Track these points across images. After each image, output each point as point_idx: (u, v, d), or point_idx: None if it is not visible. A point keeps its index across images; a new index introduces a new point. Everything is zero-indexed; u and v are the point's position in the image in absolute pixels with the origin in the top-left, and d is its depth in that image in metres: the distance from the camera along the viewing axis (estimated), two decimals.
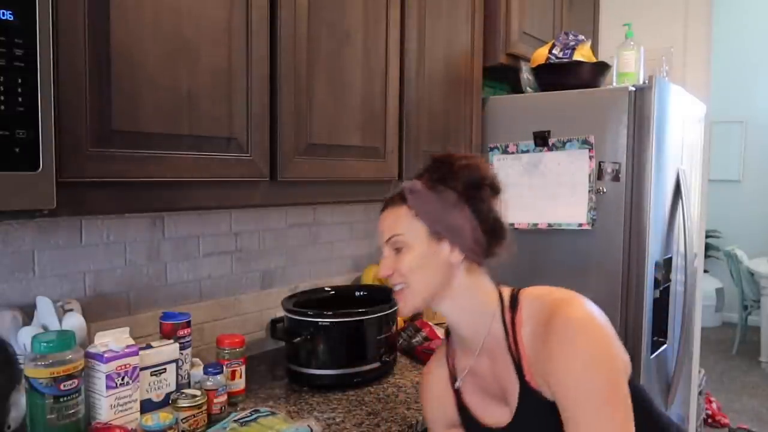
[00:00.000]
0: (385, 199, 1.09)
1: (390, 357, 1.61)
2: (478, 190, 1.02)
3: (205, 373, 1.34)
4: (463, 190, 1.01)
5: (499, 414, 1.04)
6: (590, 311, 0.94)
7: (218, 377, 1.34)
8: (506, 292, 1.06)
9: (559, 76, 2.06)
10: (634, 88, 1.87)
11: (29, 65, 0.85)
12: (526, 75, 2.16)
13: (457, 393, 1.12)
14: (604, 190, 1.91)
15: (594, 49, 2.60)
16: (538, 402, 0.96)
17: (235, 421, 1.24)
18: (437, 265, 1.02)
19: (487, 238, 1.03)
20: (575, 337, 0.90)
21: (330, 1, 1.46)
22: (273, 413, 1.28)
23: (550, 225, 2.01)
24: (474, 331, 1.05)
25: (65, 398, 1.06)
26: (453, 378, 1.13)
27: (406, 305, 1.04)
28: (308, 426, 1.22)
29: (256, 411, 1.28)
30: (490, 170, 1.06)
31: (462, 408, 1.12)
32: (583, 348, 0.90)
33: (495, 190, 1.05)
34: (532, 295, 1.02)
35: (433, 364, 1.19)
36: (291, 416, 1.32)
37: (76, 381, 1.08)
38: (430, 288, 1.03)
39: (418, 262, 1.02)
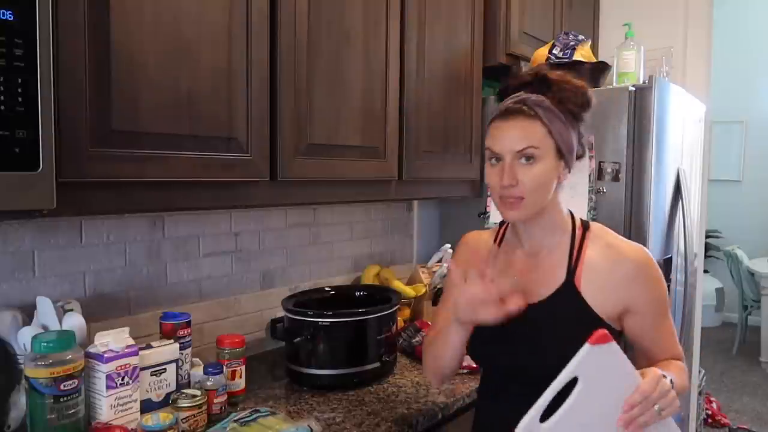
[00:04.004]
0: (504, 107, 1.10)
1: (390, 357, 1.61)
2: (583, 113, 1.10)
3: (205, 373, 1.34)
4: (577, 112, 1.08)
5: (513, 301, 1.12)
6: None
7: (218, 377, 1.34)
8: (575, 215, 1.17)
9: None
10: (634, 88, 1.87)
11: (29, 65, 0.85)
12: None
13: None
14: (604, 190, 1.91)
15: (594, 49, 2.59)
16: (574, 297, 1.08)
17: (235, 421, 1.24)
18: (552, 183, 1.08)
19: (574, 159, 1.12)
20: (656, 274, 1.10)
21: (330, 2, 1.46)
22: (273, 413, 1.28)
23: None
24: (543, 239, 1.14)
25: (65, 398, 1.06)
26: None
27: (519, 215, 1.08)
28: (308, 426, 1.22)
29: (256, 411, 1.28)
30: (592, 95, 1.12)
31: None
32: (661, 283, 1.12)
33: (586, 114, 1.12)
34: (600, 227, 1.16)
35: (485, 234, 1.27)
36: (291, 416, 1.32)
37: (76, 381, 1.08)
38: (541, 203, 1.08)
39: (544, 179, 1.06)
